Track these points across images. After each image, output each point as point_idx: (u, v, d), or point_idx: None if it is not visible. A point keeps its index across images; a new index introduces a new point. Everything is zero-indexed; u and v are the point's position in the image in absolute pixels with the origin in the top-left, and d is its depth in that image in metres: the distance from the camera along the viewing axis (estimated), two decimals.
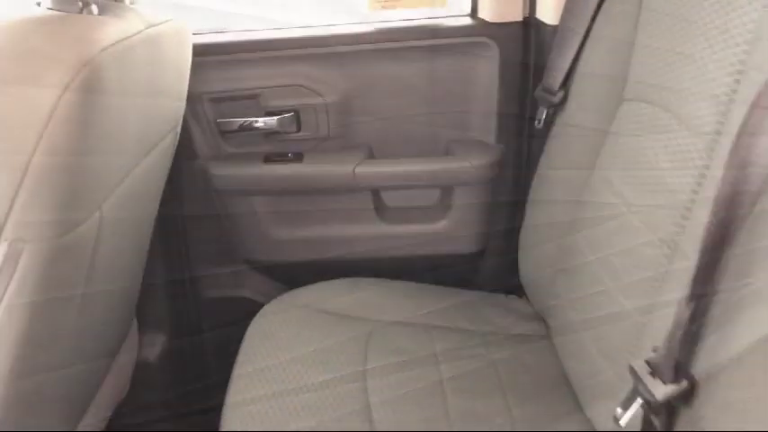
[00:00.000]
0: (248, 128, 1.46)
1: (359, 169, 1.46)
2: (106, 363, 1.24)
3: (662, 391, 0.73)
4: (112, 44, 0.81)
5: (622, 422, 0.77)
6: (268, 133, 1.47)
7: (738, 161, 0.68)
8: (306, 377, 1.14)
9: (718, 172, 0.71)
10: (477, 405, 1.11)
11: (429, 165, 1.48)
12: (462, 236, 1.53)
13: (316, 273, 1.43)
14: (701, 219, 0.74)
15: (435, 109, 1.48)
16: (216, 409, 1.14)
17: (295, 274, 1.47)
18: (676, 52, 0.96)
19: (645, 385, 0.75)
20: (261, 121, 1.46)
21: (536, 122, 1.36)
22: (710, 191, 0.72)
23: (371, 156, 1.50)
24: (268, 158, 1.48)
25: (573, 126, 1.25)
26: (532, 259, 1.36)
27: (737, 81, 0.81)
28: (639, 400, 0.76)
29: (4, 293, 0.71)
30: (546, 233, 1.29)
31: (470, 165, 1.46)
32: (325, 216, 1.52)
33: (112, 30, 0.83)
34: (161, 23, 0.99)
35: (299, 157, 1.48)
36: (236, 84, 1.43)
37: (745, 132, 0.67)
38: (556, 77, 1.30)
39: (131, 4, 0.98)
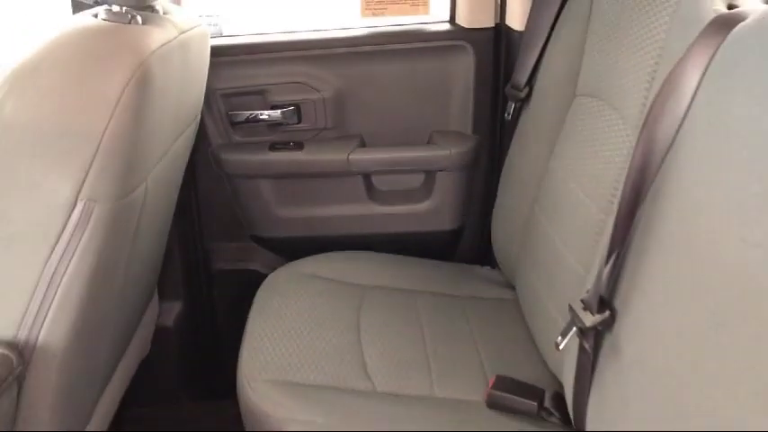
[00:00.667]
0: (255, 119, 1.66)
1: (352, 156, 1.67)
2: (138, 316, 1.44)
3: (590, 319, 0.95)
4: (157, 48, 1.01)
5: (561, 346, 0.99)
6: (272, 124, 1.67)
7: (646, 136, 0.89)
8: (308, 332, 1.34)
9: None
10: (452, 350, 1.32)
11: (414, 152, 1.69)
12: (443, 215, 1.74)
13: (314, 247, 1.64)
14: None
15: (419, 103, 1.69)
16: (227, 370, 1.33)
17: (296, 248, 1.67)
18: (613, 52, 1.17)
19: (578, 317, 0.96)
20: (266, 114, 1.66)
21: (506, 115, 1.57)
22: None
23: (363, 144, 1.70)
24: (272, 146, 1.68)
25: (536, 118, 1.46)
26: (503, 234, 1.57)
27: (653, 78, 1.03)
28: (574, 329, 0.97)
29: (78, 242, 0.91)
30: (514, 211, 1.50)
31: (450, 153, 1.67)
32: (322, 197, 1.72)
33: (156, 37, 1.03)
34: (190, 29, 1.19)
35: (299, 146, 1.68)
36: (245, 81, 1.63)
37: (651, 113, 0.88)
38: (522, 76, 1.51)
39: (164, 14, 1.17)
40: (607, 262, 0.95)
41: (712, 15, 0.88)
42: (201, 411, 1.75)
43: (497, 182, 1.61)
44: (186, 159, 1.41)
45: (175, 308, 1.71)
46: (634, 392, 0.88)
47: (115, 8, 1.04)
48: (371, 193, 1.74)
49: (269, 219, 1.73)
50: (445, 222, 1.75)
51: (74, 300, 0.94)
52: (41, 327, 0.93)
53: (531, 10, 1.49)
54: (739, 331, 0.65)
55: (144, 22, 1.07)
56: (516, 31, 1.57)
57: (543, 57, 1.46)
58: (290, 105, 1.66)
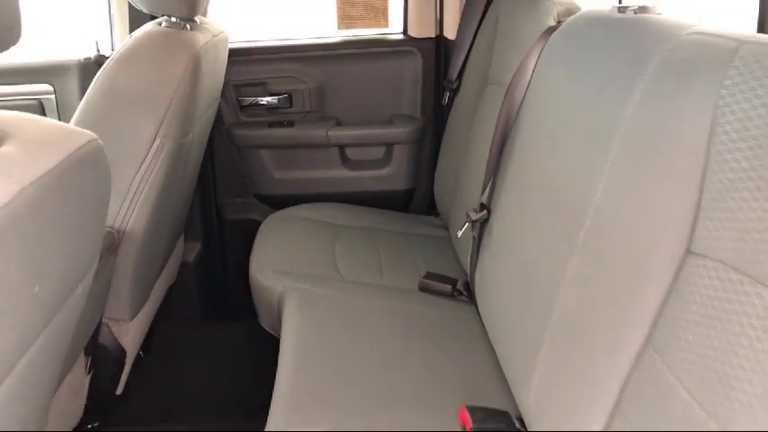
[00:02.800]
0: (257, 104, 2.22)
1: (331, 132, 2.23)
2: (176, 234, 1.97)
3: (475, 216, 1.51)
4: (202, 46, 1.57)
5: (459, 234, 1.55)
6: (271, 108, 2.23)
7: (508, 100, 1.46)
8: (296, 256, 1.87)
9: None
10: (399, 260, 1.87)
11: (377, 130, 2.26)
12: (399, 177, 2.30)
13: (301, 201, 2.19)
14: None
15: (380, 93, 2.26)
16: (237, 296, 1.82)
17: (288, 203, 2.21)
18: (507, 52, 1.73)
19: (469, 216, 1.52)
20: (266, 100, 2.22)
21: (443, 101, 2.14)
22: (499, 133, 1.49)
23: (339, 123, 2.27)
24: (270, 124, 2.24)
25: (462, 103, 2.03)
26: (441, 189, 2.13)
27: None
28: (468, 223, 1.53)
29: (155, 165, 1.46)
30: (448, 171, 2.06)
31: (404, 130, 2.25)
32: (308, 163, 2.28)
33: (200, 39, 1.59)
34: (218, 35, 1.75)
35: (291, 124, 2.24)
36: (251, 75, 2.20)
37: (510, 86, 1.45)
38: (453, 72, 2.09)
39: (201, 24, 1.73)
40: (487, 182, 1.52)
41: (546, 26, 1.46)
42: (216, 330, 2.27)
43: (438, 152, 2.18)
44: (210, 126, 1.96)
45: (195, 247, 2.25)
46: (497, 259, 1.44)
47: (173, 19, 1.60)
48: (345, 161, 2.30)
49: (267, 180, 2.29)
50: (401, 183, 2.32)
51: (149, 203, 1.49)
52: (129, 218, 1.47)
53: (460, 24, 2.08)
54: (558, 213, 1.19)
55: (191, 29, 1.63)
56: (450, 40, 2.15)
57: (468, 58, 2.04)
58: (284, 94, 2.23)
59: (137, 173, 1.45)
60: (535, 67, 1.42)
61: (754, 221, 0.73)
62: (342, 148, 2.28)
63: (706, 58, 0.87)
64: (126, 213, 1.47)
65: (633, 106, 1.00)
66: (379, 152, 2.31)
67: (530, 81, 1.44)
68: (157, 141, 1.45)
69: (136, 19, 1.94)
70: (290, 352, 1.37)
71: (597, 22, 1.24)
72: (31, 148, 0.73)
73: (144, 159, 1.45)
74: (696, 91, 0.86)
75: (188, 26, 1.63)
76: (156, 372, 1.95)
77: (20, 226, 0.66)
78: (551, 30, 1.43)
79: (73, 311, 0.92)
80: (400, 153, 2.28)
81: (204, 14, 2.05)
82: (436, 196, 2.18)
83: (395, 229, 2.11)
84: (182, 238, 2.18)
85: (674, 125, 0.90)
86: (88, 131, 0.84)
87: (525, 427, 1.19)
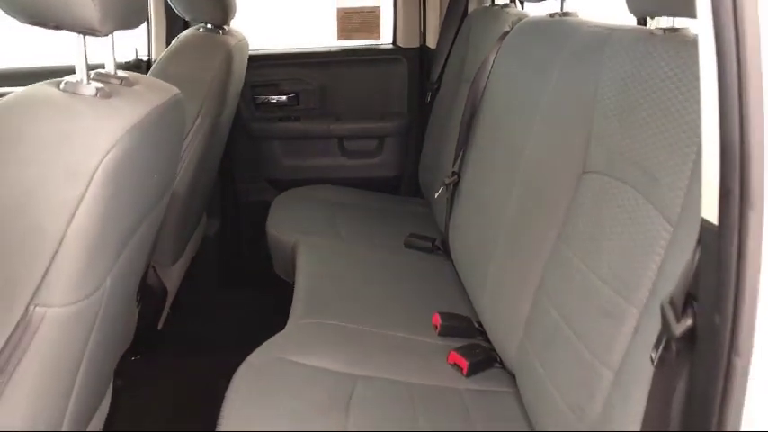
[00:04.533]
0: (270, 102, 2.64)
1: (332, 126, 2.65)
2: (202, 208, 2.37)
3: (448, 180, 1.91)
4: (233, 46, 1.98)
5: (436, 195, 1.96)
6: (281, 105, 2.65)
7: (474, 87, 1.88)
8: (305, 221, 2.26)
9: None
10: (388, 225, 2.27)
11: (370, 125, 2.68)
12: (389, 166, 2.72)
13: (306, 184, 2.59)
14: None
15: (373, 93, 2.68)
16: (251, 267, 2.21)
17: (294, 186, 2.61)
18: (474, 53, 2.15)
19: (444, 181, 1.93)
20: (276, 98, 2.64)
21: (427, 100, 2.56)
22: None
23: (339, 119, 2.68)
24: (281, 119, 2.66)
25: (441, 101, 2.45)
26: (424, 172, 2.54)
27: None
28: (443, 187, 1.94)
29: (194, 144, 1.86)
30: (430, 156, 2.48)
31: (393, 125, 2.67)
32: (312, 153, 2.69)
33: (230, 41, 2.01)
34: (241, 40, 2.17)
35: (298, 119, 2.66)
36: (265, 77, 2.62)
37: (475, 78, 1.87)
38: (434, 75, 2.52)
39: (230, 30, 2.14)
40: (457, 154, 1.93)
41: (503, 32, 1.87)
42: (234, 297, 2.64)
43: (422, 142, 2.60)
44: (233, 115, 2.36)
45: (215, 224, 2.65)
46: (464, 211, 1.85)
47: (209, 26, 2.02)
48: (343, 150, 2.71)
49: (277, 166, 2.70)
50: (391, 170, 2.73)
51: (191, 168, 1.88)
52: (176, 179, 1.87)
53: (439, 36, 2.51)
54: (506, 161, 1.61)
55: (223, 34, 2.05)
56: (431, 49, 2.58)
57: (446, 63, 2.46)
58: (292, 93, 2.65)
59: (183, 143, 1.85)
60: (494, 62, 1.85)
61: (616, 142, 1.14)
62: (341, 139, 2.69)
63: (593, 44, 1.29)
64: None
65: (554, 80, 1.42)
66: (372, 144, 2.72)
67: (489, 73, 1.86)
68: (199, 119, 1.85)
69: (171, 28, 2.36)
70: (303, 280, 1.76)
71: (535, 25, 1.67)
72: (145, 92, 1.11)
73: (189, 132, 1.84)
74: (588, 65, 1.28)
75: (220, 31, 2.05)
76: (186, 319, 2.32)
77: (142, 139, 1.04)
78: (505, 34, 1.85)
79: (155, 221, 1.31)
80: (390, 144, 2.70)
81: (228, 25, 2.48)
82: (420, 180, 2.59)
83: (385, 207, 2.51)
84: (204, 215, 2.58)
85: (575, 89, 1.32)
86: (176, 88, 1.23)
87: (482, 327, 1.59)
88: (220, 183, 2.64)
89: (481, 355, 1.49)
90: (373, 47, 2.69)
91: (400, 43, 2.67)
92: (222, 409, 1.23)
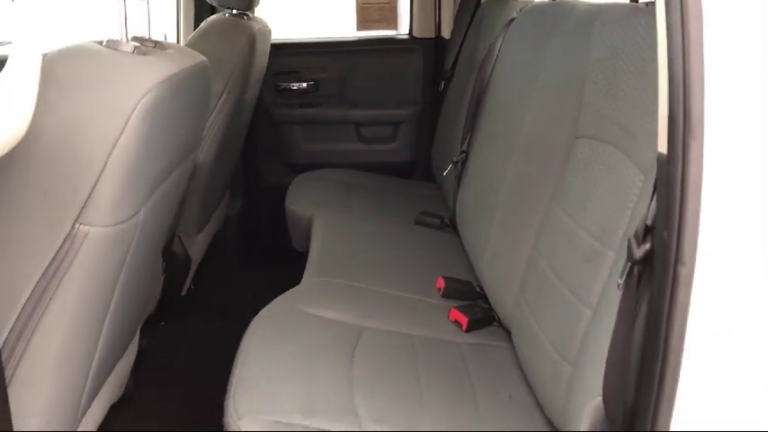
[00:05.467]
0: (291, 89, 2.77)
1: (349, 112, 2.78)
2: (226, 190, 2.50)
3: (458, 158, 2.03)
4: (256, 31, 2.11)
5: (444, 173, 2.07)
6: (302, 92, 2.78)
7: (480, 73, 1.99)
8: (320, 198, 2.38)
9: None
10: (400, 204, 2.38)
11: (386, 111, 2.80)
12: (404, 151, 2.84)
13: (324, 168, 2.71)
14: None
15: (389, 82, 2.80)
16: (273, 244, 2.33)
17: (313, 169, 2.74)
18: (485, 40, 2.27)
19: (453, 160, 2.04)
20: (297, 85, 2.77)
21: (440, 88, 2.68)
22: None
23: (356, 105, 2.81)
24: (301, 105, 2.79)
25: (454, 88, 2.56)
26: (437, 158, 2.65)
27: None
28: (451, 165, 2.05)
29: (220, 119, 1.99)
30: (442, 140, 2.59)
31: (408, 112, 2.79)
32: (330, 138, 2.81)
33: (254, 26, 2.14)
34: (264, 27, 2.30)
35: (317, 105, 2.79)
36: (287, 65, 2.75)
37: (482, 63, 1.98)
38: (448, 65, 2.63)
39: (253, 16, 2.28)
40: (465, 134, 2.04)
41: (510, 18, 1.98)
42: (254, 273, 2.76)
43: (435, 129, 2.72)
44: (256, 98, 2.49)
45: (238, 203, 2.78)
46: (471, 187, 1.95)
47: (234, 11, 2.16)
48: (360, 136, 2.84)
49: (297, 150, 2.83)
50: (406, 156, 2.85)
51: (216, 142, 2.01)
52: (201, 152, 2.00)
53: (453, 26, 2.62)
54: (507, 133, 1.72)
55: (248, 20, 2.19)
56: (446, 39, 2.70)
57: (460, 52, 2.57)
58: (312, 81, 2.78)
59: (209, 117, 1.98)
60: (500, 48, 1.96)
61: (602, 107, 1.25)
62: (357, 125, 2.82)
63: (585, 20, 1.40)
64: (198, 150, 2.00)
65: (550, 57, 1.53)
66: (387, 130, 2.84)
67: (496, 59, 1.97)
68: (224, 96, 1.98)
69: (199, 14, 2.50)
70: (317, 245, 1.89)
71: (537, 10, 1.78)
72: (176, 55, 1.23)
73: (215, 107, 1.98)
74: (580, 40, 1.39)
75: (245, 17, 2.18)
76: (208, 289, 2.45)
77: (175, 93, 1.16)
78: (512, 21, 1.96)
79: (183, 176, 1.43)
80: (404, 131, 2.82)
81: (252, 13, 2.61)
82: (433, 164, 2.70)
83: (398, 189, 2.62)
84: (227, 195, 2.71)
85: (569, 62, 1.42)
86: (203, 56, 1.36)
87: (483, 291, 1.69)
88: (243, 165, 2.77)
89: (480, 314, 1.59)
90: (390, 37, 2.82)
91: (416, 34, 2.79)
92: (238, 351, 1.35)
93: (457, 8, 2.62)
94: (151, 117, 0.95)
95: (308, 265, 1.78)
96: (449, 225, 2.20)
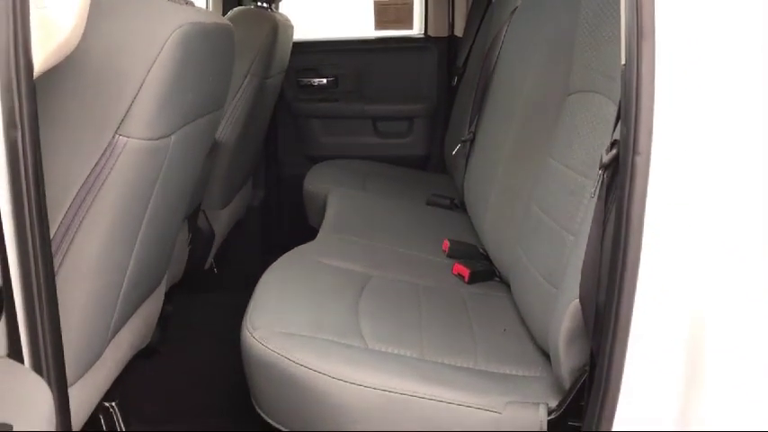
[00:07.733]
0: (312, 85, 2.93)
1: (366, 107, 2.93)
2: (250, 173, 2.64)
3: (465, 137, 2.15)
4: (279, 21, 2.28)
5: (454, 152, 2.19)
6: (321, 87, 2.94)
7: (488, 55, 2.12)
8: (336, 180, 2.51)
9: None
10: (413, 187, 2.50)
11: (401, 106, 2.94)
12: (418, 145, 2.97)
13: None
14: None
15: (405, 78, 2.95)
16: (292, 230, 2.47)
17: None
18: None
19: (462, 140, 2.16)
20: (316, 81, 2.93)
21: (453, 83, 2.82)
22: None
23: (372, 101, 2.96)
24: (321, 100, 2.94)
25: (466, 82, 2.69)
26: (449, 147, 2.77)
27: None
28: (459, 144, 2.18)
29: (243, 100, 2.14)
30: (455, 132, 2.71)
31: (422, 107, 2.93)
32: (348, 132, 2.96)
33: (278, 18, 2.31)
34: (287, 20, 2.47)
35: (336, 100, 2.94)
36: (308, 62, 2.91)
37: (491, 44, 2.11)
38: (461, 62, 2.77)
39: (277, 9, 2.44)
40: (473, 117, 2.16)
41: (514, 7, 2.12)
42: (274, 257, 2.89)
43: (448, 122, 2.85)
44: (279, 89, 2.64)
45: (259, 194, 2.93)
46: (478, 164, 2.08)
47: (259, 3, 2.33)
48: (376, 131, 2.98)
49: (317, 144, 2.98)
50: (420, 150, 2.99)
51: (240, 122, 2.16)
52: (226, 131, 2.14)
53: (465, 27, 2.77)
54: (508, 109, 1.85)
55: (272, 11, 2.35)
56: (459, 37, 2.85)
57: (471, 51, 2.72)
58: (331, 77, 2.94)
59: (233, 99, 2.13)
60: (505, 35, 2.09)
61: (589, 59, 1.37)
62: (374, 120, 2.96)
63: None
64: (224, 127, 2.15)
65: (546, 25, 1.66)
66: (402, 125, 2.98)
67: (501, 44, 2.10)
68: (248, 78, 2.14)
69: (226, 4, 2.67)
70: (332, 211, 2.02)
71: None
72: (205, 11, 1.38)
73: (239, 89, 2.13)
74: (567, 6, 1.52)
75: (270, 8, 2.35)
76: (231, 266, 2.58)
77: (194, 43, 1.29)
78: (515, 9, 2.10)
79: (209, 128, 1.54)
80: (419, 126, 2.96)
81: (277, 8, 2.78)
82: (445, 154, 2.83)
83: (411, 177, 2.75)
84: (250, 184, 2.86)
85: (561, 26, 1.55)
86: (229, 22, 1.51)
87: (486, 254, 1.80)
88: (265, 158, 2.93)
89: (481, 267, 1.70)
90: (406, 36, 2.97)
91: (430, 33, 2.95)
92: (256, 287, 1.48)
93: (469, 8, 2.77)
94: (183, 47, 1.09)
95: (322, 226, 1.91)
96: (458, 206, 2.31)
